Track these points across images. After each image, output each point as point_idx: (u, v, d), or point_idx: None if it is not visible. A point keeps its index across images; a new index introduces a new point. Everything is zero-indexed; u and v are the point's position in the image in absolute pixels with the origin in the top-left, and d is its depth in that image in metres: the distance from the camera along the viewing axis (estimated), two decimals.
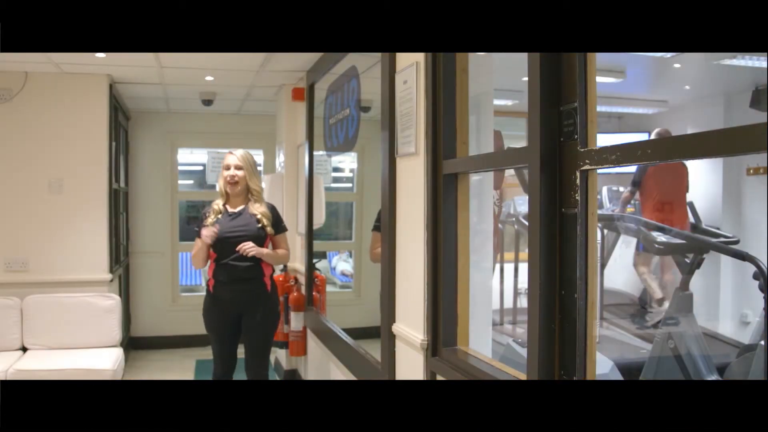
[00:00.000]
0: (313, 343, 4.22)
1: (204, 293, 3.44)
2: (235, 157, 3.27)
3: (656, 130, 4.70)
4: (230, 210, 3.27)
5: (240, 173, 3.24)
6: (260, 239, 3.21)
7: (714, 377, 2.98)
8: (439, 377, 2.22)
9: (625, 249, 5.23)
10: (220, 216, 3.24)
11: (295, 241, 4.80)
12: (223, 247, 3.19)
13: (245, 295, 3.24)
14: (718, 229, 4.02)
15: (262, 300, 3.27)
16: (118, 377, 4.08)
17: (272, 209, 3.34)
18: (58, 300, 4.29)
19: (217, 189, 3.34)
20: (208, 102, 5.28)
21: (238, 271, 3.19)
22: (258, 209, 3.26)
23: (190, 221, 7.00)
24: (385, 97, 2.63)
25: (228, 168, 3.27)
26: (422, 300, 2.30)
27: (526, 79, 1.61)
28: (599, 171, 1.50)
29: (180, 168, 6.28)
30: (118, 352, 4.22)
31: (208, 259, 3.30)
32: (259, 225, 3.22)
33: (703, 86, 5.12)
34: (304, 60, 4.12)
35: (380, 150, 2.71)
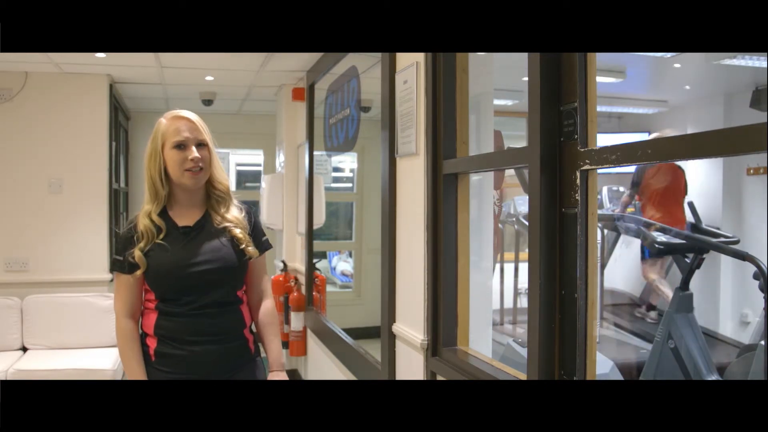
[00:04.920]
0: (313, 343, 4.22)
1: None
2: (192, 123, 1.84)
3: (653, 135, 4.71)
4: (180, 223, 1.87)
5: (206, 155, 1.85)
6: (241, 271, 1.92)
7: (714, 377, 2.98)
8: (439, 377, 2.22)
9: (625, 249, 5.24)
10: (161, 236, 1.84)
11: (295, 241, 4.80)
12: (177, 288, 1.83)
13: (220, 361, 1.86)
14: (718, 229, 4.02)
15: (246, 368, 1.94)
16: (118, 377, 4.08)
17: (248, 212, 1.99)
18: (58, 300, 4.29)
19: (147, 186, 1.88)
20: (208, 102, 5.28)
21: (207, 322, 1.84)
22: (229, 216, 1.91)
23: None
24: (385, 97, 2.63)
25: (183, 146, 1.81)
26: (422, 300, 2.30)
27: (526, 79, 1.61)
28: (599, 171, 1.51)
29: None
30: (118, 352, 4.21)
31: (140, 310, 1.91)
32: (240, 246, 1.88)
33: (703, 86, 5.13)
34: (304, 60, 4.12)
35: (380, 150, 2.71)
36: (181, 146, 1.82)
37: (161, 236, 1.84)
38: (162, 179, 1.85)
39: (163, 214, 1.87)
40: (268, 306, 2.02)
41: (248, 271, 1.95)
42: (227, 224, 1.89)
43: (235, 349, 1.90)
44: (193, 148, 1.82)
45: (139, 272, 1.83)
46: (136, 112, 5.96)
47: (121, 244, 1.89)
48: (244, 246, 1.89)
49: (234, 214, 1.92)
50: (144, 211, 1.86)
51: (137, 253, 1.82)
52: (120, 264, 1.87)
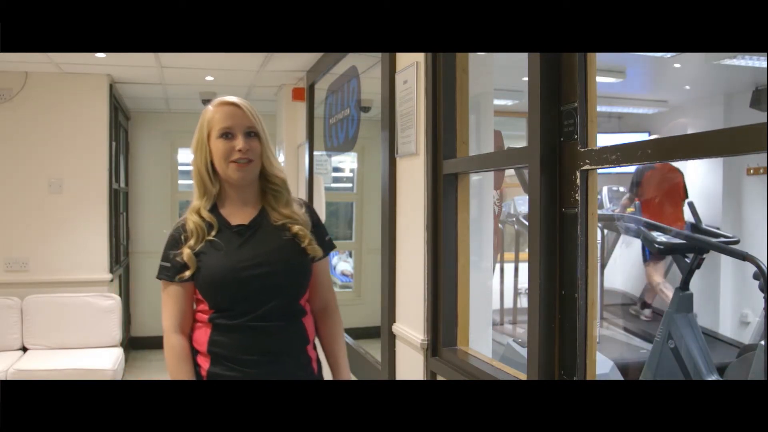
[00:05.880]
0: None
1: None
2: (239, 109, 1.64)
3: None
4: (233, 222, 1.65)
5: (256, 145, 1.64)
6: (304, 275, 1.68)
7: (714, 377, 2.98)
8: (439, 377, 2.22)
9: (625, 249, 5.24)
10: (213, 236, 1.62)
11: None
12: (232, 295, 1.61)
13: None
14: (718, 229, 4.02)
15: None
16: (118, 377, 4.08)
17: (309, 207, 1.77)
18: (58, 300, 4.29)
19: (194, 181, 1.68)
20: (208, 102, 5.21)
21: (266, 338, 1.61)
22: (287, 212, 1.68)
23: None
24: (385, 97, 2.63)
25: (229, 134, 1.61)
26: (422, 300, 2.30)
27: (526, 79, 1.61)
28: (599, 171, 1.51)
29: (180, 168, 6.28)
30: (118, 352, 4.22)
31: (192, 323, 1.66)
32: (302, 245, 1.65)
33: (703, 86, 5.13)
34: (304, 60, 4.12)
35: (380, 150, 2.71)
36: (227, 135, 1.61)
37: (213, 234, 1.62)
38: (210, 172, 1.63)
39: (214, 212, 1.65)
40: (335, 319, 1.79)
41: (311, 276, 1.70)
42: (286, 220, 1.66)
43: (297, 370, 1.66)
44: (241, 137, 1.61)
45: (188, 273, 1.59)
46: (136, 112, 5.96)
47: (168, 247, 1.64)
48: (306, 244, 1.65)
49: (294, 207, 1.70)
50: (192, 208, 1.65)
51: (186, 251, 1.60)
52: (167, 270, 1.63)
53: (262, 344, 1.60)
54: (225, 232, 1.63)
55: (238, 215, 1.66)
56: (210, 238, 1.61)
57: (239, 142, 1.60)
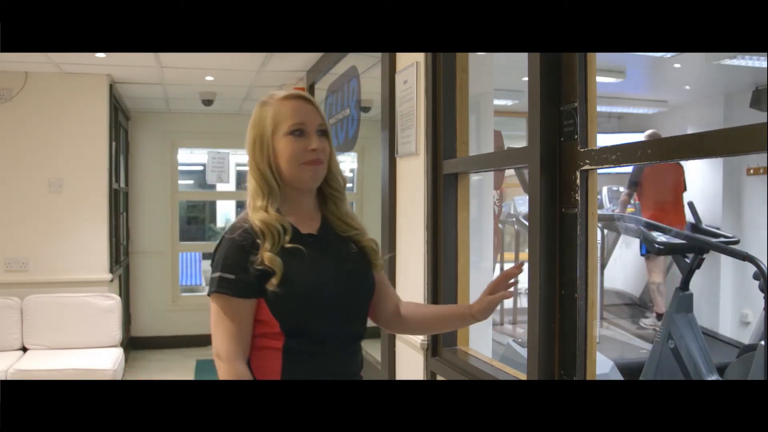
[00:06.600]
0: None
1: None
2: (312, 106, 1.46)
3: (647, 132, 4.69)
4: (303, 230, 1.42)
5: (327, 146, 1.44)
6: (373, 291, 1.52)
7: (714, 377, 2.98)
8: (439, 377, 2.22)
9: (625, 249, 5.24)
10: (286, 241, 1.35)
11: None
12: (312, 316, 1.38)
13: None
14: (718, 229, 4.02)
15: None
16: (118, 377, 4.08)
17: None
18: (58, 300, 4.29)
19: (255, 181, 1.42)
20: (208, 102, 5.28)
21: (344, 362, 1.49)
22: (353, 222, 1.50)
23: (191, 221, 6.95)
24: (385, 97, 2.63)
25: (301, 132, 1.40)
26: (422, 300, 2.30)
27: (526, 79, 1.61)
28: (599, 171, 1.51)
29: (180, 168, 6.29)
30: (118, 352, 4.22)
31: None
32: (372, 259, 1.50)
33: (703, 86, 5.13)
34: (304, 60, 4.12)
35: (380, 150, 2.71)
36: (298, 132, 1.40)
37: (287, 238, 1.35)
38: (274, 172, 1.40)
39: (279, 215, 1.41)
40: (406, 302, 1.66)
41: (377, 287, 1.52)
42: (353, 232, 1.48)
43: None
44: (314, 136, 1.40)
45: (275, 281, 1.31)
46: (136, 112, 5.96)
47: (232, 255, 1.34)
48: (375, 258, 1.49)
49: (354, 218, 1.51)
50: (259, 206, 1.38)
51: (267, 254, 1.31)
52: (232, 284, 1.33)
53: (340, 370, 1.44)
54: (298, 241, 1.38)
55: (304, 223, 1.44)
56: (288, 245, 1.35)
57: (313, 141, 1.40)
